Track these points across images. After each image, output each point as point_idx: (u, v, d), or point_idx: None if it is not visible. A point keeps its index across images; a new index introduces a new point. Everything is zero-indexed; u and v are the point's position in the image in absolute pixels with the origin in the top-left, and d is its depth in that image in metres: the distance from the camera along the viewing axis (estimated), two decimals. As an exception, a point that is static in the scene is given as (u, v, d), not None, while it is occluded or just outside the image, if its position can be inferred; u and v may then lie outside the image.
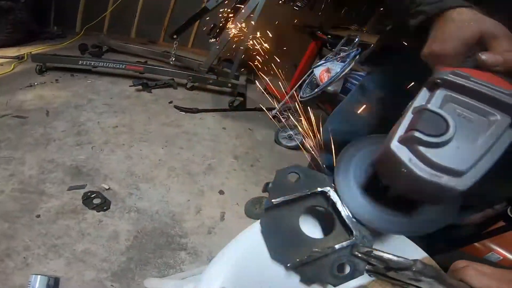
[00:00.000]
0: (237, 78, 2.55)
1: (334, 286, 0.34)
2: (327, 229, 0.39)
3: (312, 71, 1.98)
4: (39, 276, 0.97)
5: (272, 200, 0.36)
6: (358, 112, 0.84)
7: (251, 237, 0.36)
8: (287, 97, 2.44)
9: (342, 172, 0.39)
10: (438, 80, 0.34)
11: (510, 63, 0.35)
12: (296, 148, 2.17)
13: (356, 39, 1.95)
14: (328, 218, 0.38)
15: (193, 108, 2.24)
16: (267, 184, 0.37)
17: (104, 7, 3.24)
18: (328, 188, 0.38)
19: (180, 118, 2.13)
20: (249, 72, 3.21)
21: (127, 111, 2.04)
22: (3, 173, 1.34)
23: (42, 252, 1.09)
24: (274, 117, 2.48)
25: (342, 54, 1.93)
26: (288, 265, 0.34)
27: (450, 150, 0.29)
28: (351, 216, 0.37)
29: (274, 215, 0.37)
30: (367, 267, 0.35)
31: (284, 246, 0.35)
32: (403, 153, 0.30)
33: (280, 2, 3.12)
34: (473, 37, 0.38)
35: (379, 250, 0.33)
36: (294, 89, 2.40)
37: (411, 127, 0.31)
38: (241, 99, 2.46)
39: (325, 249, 0.35)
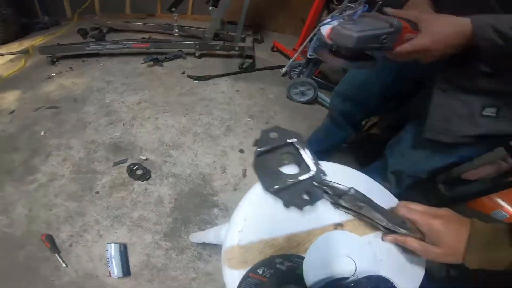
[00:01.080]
0: (244, 41, 2.52)
1: (302, 207, 0.48)
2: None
3: (319, 29, 1.95)
4: (112, 244, 1.14)
5: (258, 149, 0.51)
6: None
7: (256, 191, 0.51)
8: (296, 53, 2.43)
9: None
10: None
11: None
12: (309, 102, 2.22)
13: (362, -4, 1.87)
14: (298, 160, 0.53)
15: (205, 75, 2.31)
16: (257, 140, 0.53)
17: (91, -12, 3.06)
18: (295, 139, 0.53)
19: (195, 86, 2.22)
20: (256, 32, 3.13)
21: (145, 87, 2.16)
22: (58, 159, 1.56)
23: (109, 224, 1.30)
24: (284, 74, 2.50)
25: (348, 12, 1.87)
26: (271, 190, 0.48)
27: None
28: (310, 157, 0.51)
29: (262, 159, 0.52)
30: (325, 196, 0.48)
31: (269, 179, 0.50)
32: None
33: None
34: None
35: (327, 180, 0.46)
36: (304, 45, 2.36)
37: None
38: (250, 60, 2.47)
39: (293, 179, 0.49)
